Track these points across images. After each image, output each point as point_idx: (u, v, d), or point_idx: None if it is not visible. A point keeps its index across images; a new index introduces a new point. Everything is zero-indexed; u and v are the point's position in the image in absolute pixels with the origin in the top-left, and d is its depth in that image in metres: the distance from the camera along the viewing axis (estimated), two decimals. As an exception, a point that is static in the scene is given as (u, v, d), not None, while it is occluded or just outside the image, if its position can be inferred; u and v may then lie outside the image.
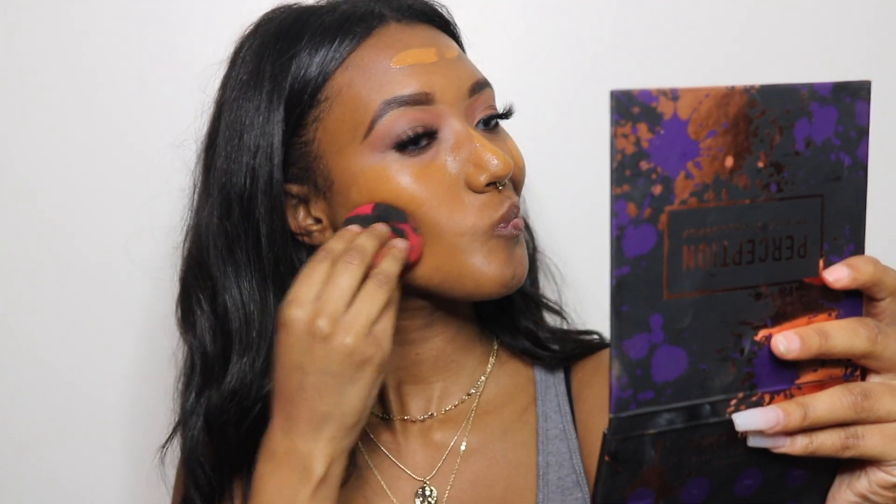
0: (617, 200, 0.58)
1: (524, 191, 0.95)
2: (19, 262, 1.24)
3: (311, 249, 0.91)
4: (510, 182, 0.90)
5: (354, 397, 0.80)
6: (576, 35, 1.26)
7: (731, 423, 0.62)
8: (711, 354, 0.61)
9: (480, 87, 0.91)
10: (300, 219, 0.92)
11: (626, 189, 0.58)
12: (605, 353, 0.99)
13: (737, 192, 0.60)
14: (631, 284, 0.59)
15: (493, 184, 0.87)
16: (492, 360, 0.99)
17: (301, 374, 0.80)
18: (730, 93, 0.59)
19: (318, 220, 0.92)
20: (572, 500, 0.92)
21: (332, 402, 0.80)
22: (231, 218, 0.91)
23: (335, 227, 0.90)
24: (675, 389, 0.61)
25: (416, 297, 0.92)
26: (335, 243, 0.83)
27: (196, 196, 0.96)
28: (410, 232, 0.86)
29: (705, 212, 0.60)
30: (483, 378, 0.98)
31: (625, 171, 0.57)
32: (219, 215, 0.91)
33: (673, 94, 0.58)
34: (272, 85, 0.89)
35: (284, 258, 0.91)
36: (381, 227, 0.85)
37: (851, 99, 0.62)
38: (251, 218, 0.90)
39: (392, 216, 0.86)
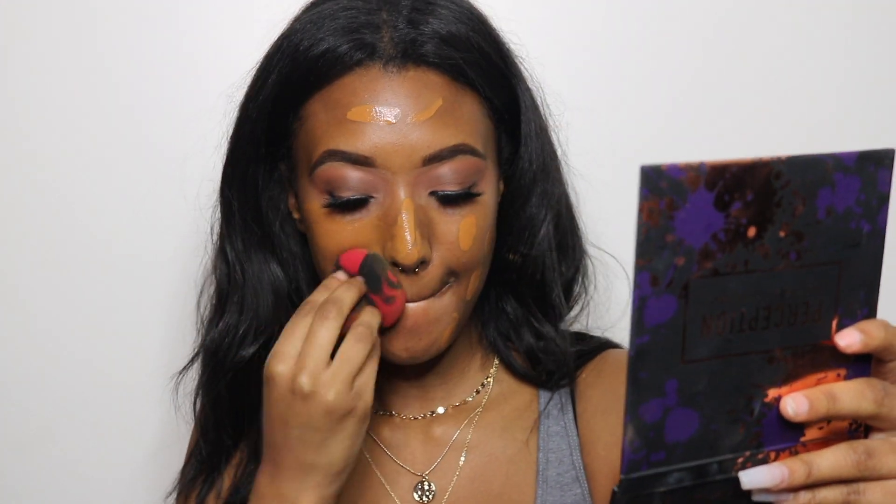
0: (641, 272, 0.58)
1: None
2: (59, 218, 1.24)
3: (298, 231, 0.95)
4: (439, 268, 0.87)
5: (339, 448, 0.82)
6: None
7: (737, 480, 0.63)
8: (723, 416, 0.62)
9: (444, 156, 0.85)
10: (291, 202, 0.94)
11: (650, 261, 0.58)
12: (607, 355, 1.00)
13: (757, 261, 0.60)
14: (650, 352, 0.59)
15: (397, 265, 0.86)
16: (496, 362, 1.00)
17: (285, 428, 0.81)
18: (756, 165, 0.59)
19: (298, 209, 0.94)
20: (571, 496, 0.94)
21: (317, 454, 0.81)
22: (224, 182, 0.94)
23: (303, 220, 0.92)
24: (685, 449, 0.62)
25: None
26: (317, 295, 0.85)
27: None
28: (381, 303, 0.86)
29: (726, 281, 0.60)
30: (485, 380, 0.99)
31: (650, 244, 0.57)
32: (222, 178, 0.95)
33: (701, 168, 0.57)
34: (274, 75, 0.89)
35: (264, 233, 0.94)
36: (360, 279, 0.86)
37: (875, 167, 0.62)
38: (232, 187, 0.93)
39: (373, 277, 0.85)
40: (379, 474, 0.97)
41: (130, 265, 1.22)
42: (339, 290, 0.84)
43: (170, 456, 1.04)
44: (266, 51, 0.91)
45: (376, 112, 0.84)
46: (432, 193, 0.86)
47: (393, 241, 0.85)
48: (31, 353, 1.24)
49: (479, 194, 0.88)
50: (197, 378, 0.98)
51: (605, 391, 0.96)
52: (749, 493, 0.64)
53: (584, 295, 1.02)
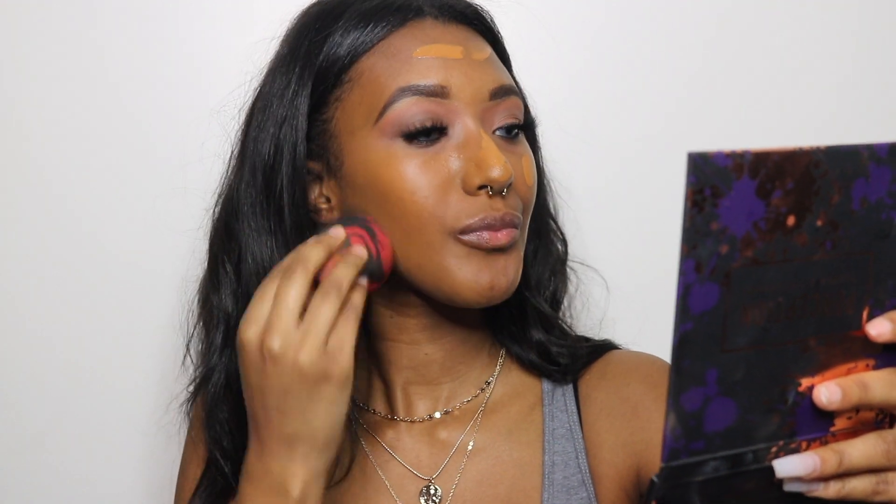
0: (686, 260, 0.58)
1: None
2: (56, 224, 1.23)
3: (322, 227, 0.93)
4: (515, 197, 0.89)
5: (319, 416, 0.78)
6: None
7: (770, 469, 0.64)
8: (758, 405, 0.63)
9: (504, 92, 0.90)
10: (314, 195, 0.93)
11: (695, 248, 0.58)
12: (611, 356, 1.00)
13: (795, 250, 0.61)
14: (693, 340, 0.60)
15: (486, 187, 0.86)
16: (500, 360, 1.00)
17: (262, 396, 0.79)
18: (797, 153, 0.60)
19: (328, 199, 0.93)
20: (577, 500, 0.94)
21: (298, 423, 0.78)
22: (256, 185, 0.92)
23: (342, 209, 0.91)
24: (723, 439, 0.62)
25: (414, 295, 0.92)
26: (286, 259, 0.82)
27: (232, 163, 0.98)
28: (376, 230, 0.85)
29: (765, 269, 0.61)
30: (491, 379, 0.99)
31: (696, 231, 0.58)
32: (246, 182, 0.93)
33: (745, 156, 0.58)
34: (304, 61, 0.91)
35: (307, 227, 0.92)
36: (333, 234, 0.83)
37: None
38: (274, 187, 0.91)
39: (351, 222, 0.85)
40: (384, 479, 0.96)
41: (128, 272, 1.21)
42: (304, 248, 0.81)
43: (162, 466, 1.02)
44: (289, 33, 0.94)
45: (443, 48, 0.88)
46: (496, 130, 0.90)
47: (483, 162, 0.86)
48: (25, 358, 1.22)
49: (532, 126, 0.95)
50: (207, 407, 0.96)
51: (610, 393, 0.96)
52: (780, 482, 0.65)
53: (563, 300, 1.04)
